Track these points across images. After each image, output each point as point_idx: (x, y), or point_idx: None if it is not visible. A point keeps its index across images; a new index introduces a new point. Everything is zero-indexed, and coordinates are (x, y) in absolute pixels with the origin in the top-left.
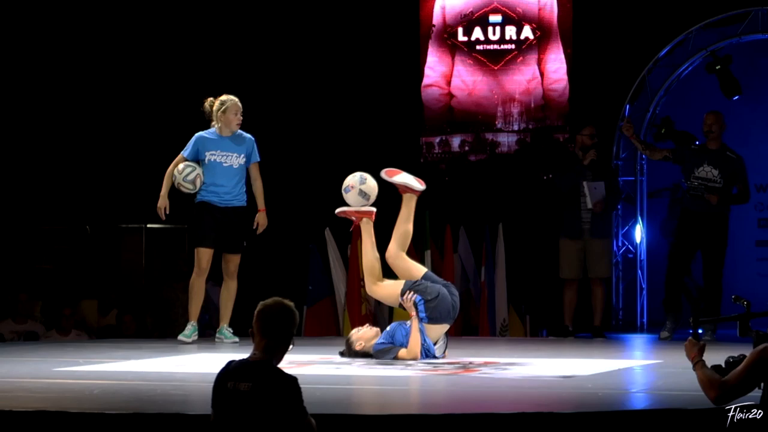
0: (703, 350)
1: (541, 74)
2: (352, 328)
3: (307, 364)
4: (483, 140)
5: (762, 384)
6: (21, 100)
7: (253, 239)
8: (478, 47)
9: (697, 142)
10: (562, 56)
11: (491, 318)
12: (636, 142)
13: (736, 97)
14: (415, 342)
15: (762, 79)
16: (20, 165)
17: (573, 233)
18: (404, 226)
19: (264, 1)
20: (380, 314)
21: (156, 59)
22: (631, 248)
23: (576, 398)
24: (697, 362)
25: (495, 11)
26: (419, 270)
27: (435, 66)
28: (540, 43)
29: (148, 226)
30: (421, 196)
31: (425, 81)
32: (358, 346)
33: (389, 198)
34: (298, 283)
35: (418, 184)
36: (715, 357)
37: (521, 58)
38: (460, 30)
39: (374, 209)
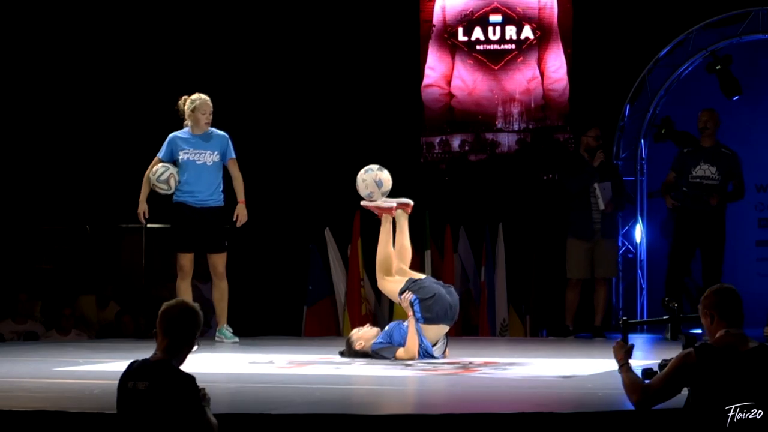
0: (630, 353)
1: (541, 74)
2: (352, 328)
3: (307, 364)
4: (483, 140)
5: (687, 389)
6: (21, 101)
7: (253, 240)
8: (478, 47)
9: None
10: (562, 56)
11: (491, 318)
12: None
13: (736, 97)
14: (412, 342)
15: (762, 79)
16: (20, 165)
17: (584, 234)
18: (399, 241)
19: (264, 1)
20: (380, 314)
21: (156, 59)
22: (631, 248)
23: (576, 398)
24: (623, 365)
25: (495, 11)
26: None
27: (435, 66)
28: (540, 43)
29: (148, 226)
30: (422, 197)
31: (425, 81)
32: (358, 346)
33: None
34: (298, 283)
35: (388, 204)
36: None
37: (521, 58)
38: (460, 30)
39: (394, 205)
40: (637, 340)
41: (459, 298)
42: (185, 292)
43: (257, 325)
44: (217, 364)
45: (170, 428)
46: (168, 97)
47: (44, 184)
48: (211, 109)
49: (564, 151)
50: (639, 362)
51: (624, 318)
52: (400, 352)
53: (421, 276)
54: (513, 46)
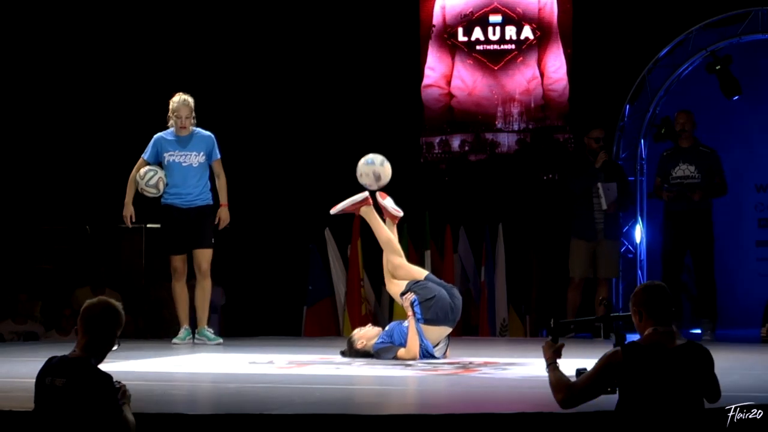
0: (559, 352)
1: (541, 74)
2: (353, 328)
3: (307, 364)
4: (483, 140)
5: (616, 389)
6: (21, 101)
7: (253, 240)
8: (478, 47)
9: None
10: (562, 56)
11: (491, 318)
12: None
13: (736, 97)
14: (413, 342)
15: (762, 79)
16: (20, 165)
17: (587, 234)
18: (381, 235)
19: (265, 2)
20: (380, 314)
21: (157, 59)
22: (631, 248)
23: None
24: (550, 364)
25: (495, 11)
26: (420, 273)
27: (435, 66)
28: (540, 43)
29: (148, 226)
30: (422, 197)
31: (425, 81)
32: (359, 345)
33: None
34: (298, 283)
35: (360, 197)
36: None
37: (521, 58)
38: (460, 30)
39: (367, 194)
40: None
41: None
42: (182, 293)
43: (257, 325)
44: (217, 364)
45: (86, 425)
46: (168, 97)
47: (44, 184)
48: (191, 111)
49: (564, 151)
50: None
51: (554, 318)
52: (402, 352)
53: (422, 273)
54: (513, 46)
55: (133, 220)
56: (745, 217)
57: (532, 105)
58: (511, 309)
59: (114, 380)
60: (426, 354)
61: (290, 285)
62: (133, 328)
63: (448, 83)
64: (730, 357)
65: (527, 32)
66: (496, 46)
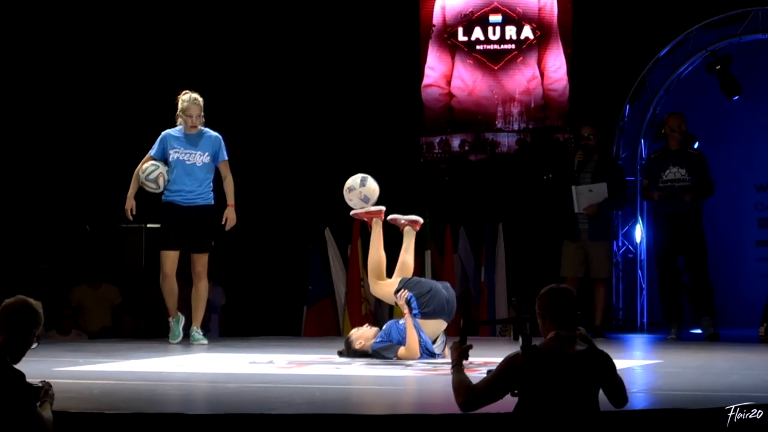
0: (466, 354)
1: (541, 74)
2: (352, 328)
3: (307, 364)
4: (483, 140)
5: (516, 391)
6: (21, 101)
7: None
8: (478, 47)
9: (697, 144)
10: (562, 56)
11: (491, 318)
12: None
13: (736, 97)
14: (412, 340)
15: (762, 79)
16: (20, 165)
17: (571, 235)
18: (375, 255)
19: (265, 2)
20: (380, 314)
21: (158, 60)
22: (631, 248)
23: None
24: (455, 365)
25: (495, 11)
26: (395, 284)
27: (435, 66)
28: (540, 43)
29: (148, 225)
30: (422, 197)
31: (425, 81)
32: (357, 345)
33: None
34: (298, 283)
35: (377, 208)
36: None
37: (521, 58)
38: (460, 30)
39: (383, 208)
40: (638, 340)
41: (458, 297)
42: (170, 288)
43: (257, 325)
44: (217, 364)
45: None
46: (169, 97)
47: (44, 184)
48: (201, 109)
49: (564, 151)
50: (639, 362)
51: (464, 318)
52: (402, 351)
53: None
54: (513, 46)
55: (134, 213)
56: (745, 217)
57: (532, 105)
58: (511, 309)
59: (40, 381)
60: (426, 351)
61: (290, 285)
62: (133, 328)
63: (448, 83)
64: (730, 357)
65: (527, 32)
66: (496, 46)
